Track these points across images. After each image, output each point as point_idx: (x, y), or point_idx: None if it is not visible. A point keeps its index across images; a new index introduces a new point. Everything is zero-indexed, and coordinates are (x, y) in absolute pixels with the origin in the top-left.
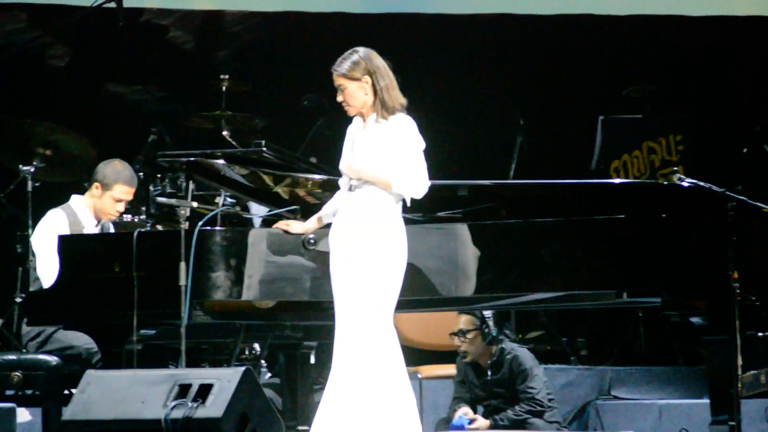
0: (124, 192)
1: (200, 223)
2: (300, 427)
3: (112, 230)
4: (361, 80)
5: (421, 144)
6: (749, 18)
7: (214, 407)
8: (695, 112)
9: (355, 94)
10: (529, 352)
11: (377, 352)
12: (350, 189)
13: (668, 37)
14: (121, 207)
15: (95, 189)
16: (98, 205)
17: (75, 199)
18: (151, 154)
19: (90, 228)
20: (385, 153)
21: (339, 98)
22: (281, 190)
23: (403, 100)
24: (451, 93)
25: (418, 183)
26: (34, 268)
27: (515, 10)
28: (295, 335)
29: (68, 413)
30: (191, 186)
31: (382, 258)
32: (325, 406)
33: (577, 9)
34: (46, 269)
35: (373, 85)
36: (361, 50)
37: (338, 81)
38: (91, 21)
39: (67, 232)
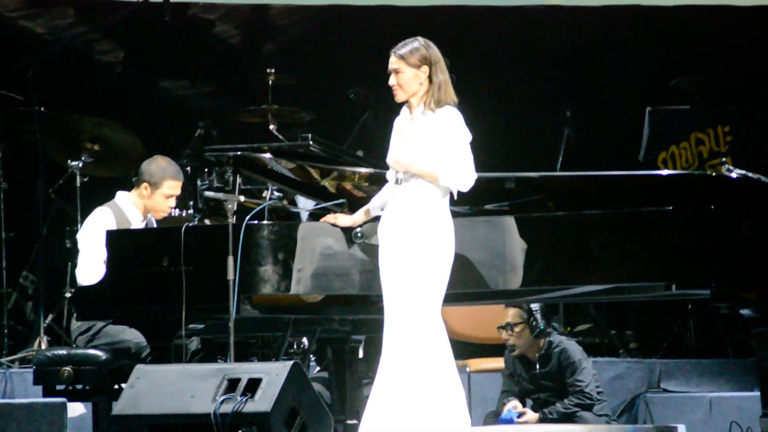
0: (173, 187)
1: (248, 218)
2: (349, 421)
3: (154, 225)
4: (419, 68)
5: (467, 136)
6: None
7: (263, 401)
8: (743, 102)
9: (410, 81)
10: (577, 345)
11: (426, 344)
12: (397, 182)
13: (716, 27)
14: (172, 202)
15: (144, 189)
16: (150, 205)
17: (121, 196)
18: (198, 148)
19: (137, 225)
20: (431, 145)
21: (391, 81)
22: (328, 183)
23: (455, 98)
24: (498, 85)
25: (465, 176)
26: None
27: (562, 2)
28: (343, 329)
29: (118, 408)
30: (238, 180)
31: (430, 247)
32: (375, 398)
33: (624, 0)
34: (86, 267)
35: (430, 76)
36: (423, 39)
37: (396, 64)
38: (138, 16)
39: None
